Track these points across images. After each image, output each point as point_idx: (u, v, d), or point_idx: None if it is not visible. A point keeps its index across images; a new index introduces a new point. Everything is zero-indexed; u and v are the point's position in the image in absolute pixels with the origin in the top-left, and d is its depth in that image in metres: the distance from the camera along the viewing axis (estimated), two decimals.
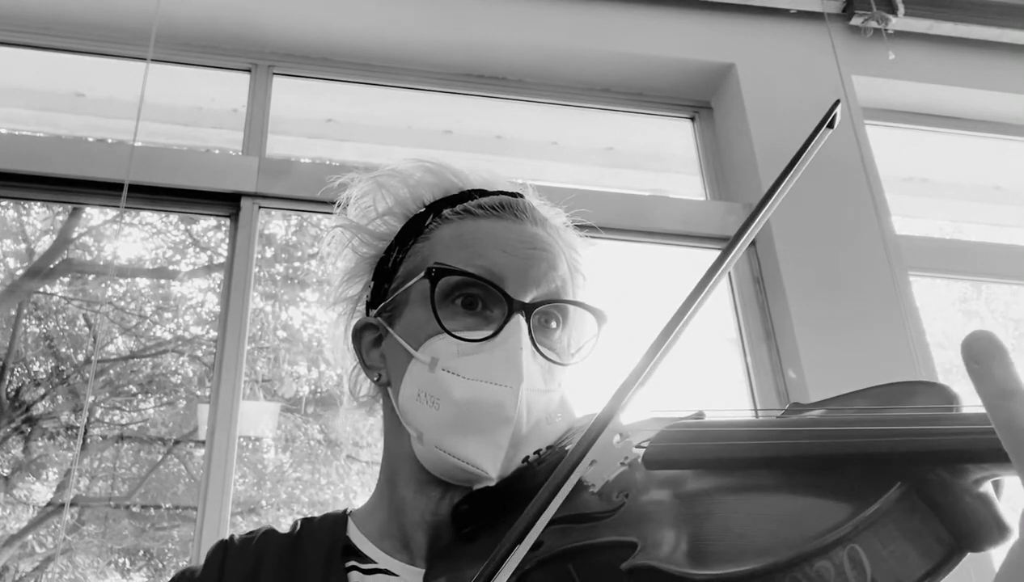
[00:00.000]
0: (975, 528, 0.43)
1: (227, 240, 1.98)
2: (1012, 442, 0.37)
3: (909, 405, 0.50)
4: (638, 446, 0.60)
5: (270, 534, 0.79)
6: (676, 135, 2.42)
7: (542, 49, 2.24)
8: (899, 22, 2.35)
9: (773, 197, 0.57)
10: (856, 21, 2.35)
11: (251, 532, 0.80)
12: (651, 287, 2.25)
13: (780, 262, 2.00)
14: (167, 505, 3.44)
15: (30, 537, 3.16)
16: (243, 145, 2.06)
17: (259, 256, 1.91)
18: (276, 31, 2.14)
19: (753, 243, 2.12)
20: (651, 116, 2.40)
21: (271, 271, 3.15)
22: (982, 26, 2.40)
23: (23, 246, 3.25)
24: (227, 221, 1.98)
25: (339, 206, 0.85)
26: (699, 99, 2.39)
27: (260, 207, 1.95)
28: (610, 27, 2.26)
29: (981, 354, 0.38)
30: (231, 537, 0.80)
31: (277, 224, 3.13)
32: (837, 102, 0.59)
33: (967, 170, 2.66)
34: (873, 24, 2.33)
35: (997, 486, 0.44)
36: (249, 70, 2.18)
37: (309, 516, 0.82)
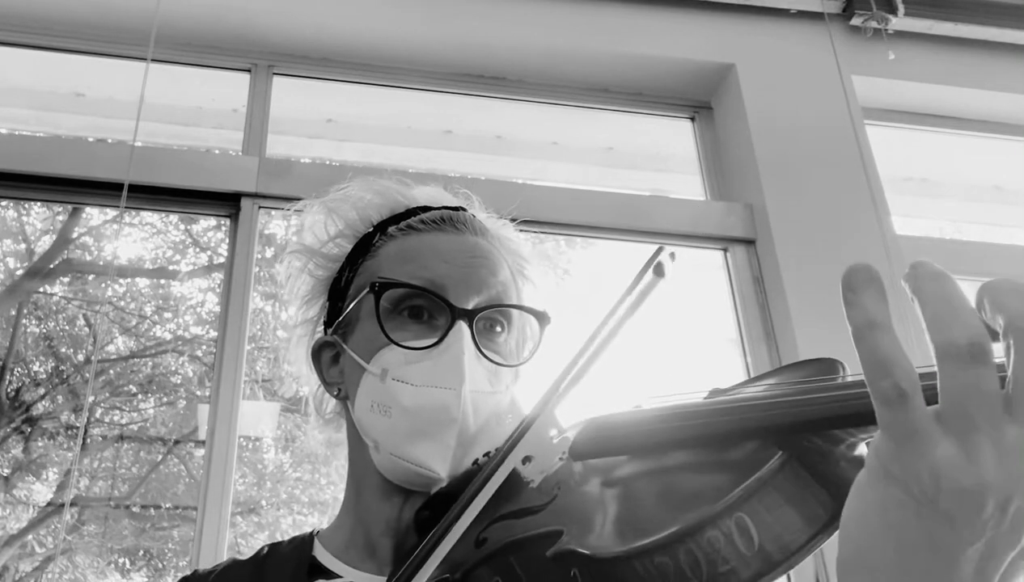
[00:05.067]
0: None
1: (227, 240, 1.98)
2: (871, 373, 0.38)
3: (799, 378, 0.53)
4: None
5: (234, 564, 0.81)
6: (676, 135, 2.42)
7: (542, 49, 2.24)
8: (899, 22, 2.35)
9: (595, 342, 0.59)
10: (856, 21, 2.35)
11: (215, 566, 0.82)
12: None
13: (780, 262, 2.00)
14: (167, 505, 3.44)
15: (30, 537, 3.16)
16: (243, 145, 2.06)
17: (259, 256, 1.90)
18: (276, 31, 2.14)
19: (753, 243, 2.12)
20: (651, 116, 2.40)
21: (271, 271, 3.14)
22: (982, 26, 2.40)
23: (23, 246, 3.25)
24: (227, 221, 1.98)
25: (294, 232, 0.88)
26: (699, 99, 2.39)
27: (260, 207, 1.95)
28: (610, 27, 2.26)
29: (857, 284, 0.39)
30: (194, 572, 0.82)
31: (277, 224, 3.12)
32: (660, 249, 0.60)
33: (967, 170, 2.65)
34: (873, 24, 2.33)
35: None
36: (249, 70, 2.18)
37: (277, 541, 0.84)
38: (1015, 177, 2.62)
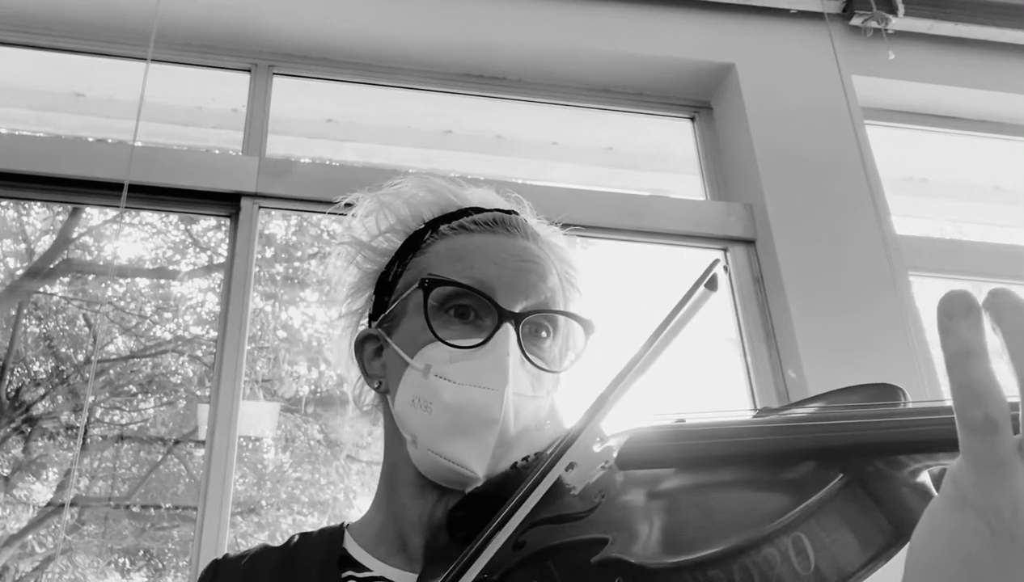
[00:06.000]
0: (913, 518, 0.44)
1: (227, 240, 1.98)
2: (962, 401, 0.38)
3: (859, 402, 0.53)
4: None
5: (265, 551, 0.82)
6: (676, 135, 2.42)
7: (542, 49, 2.24)
8: (899, 22, 2.35)
9: (644, 356, 0.59)
10: (856, 21, 2.35)
11: (246, 550, 0.82)
12: (651, 287, 2.25)
13: (780, 262, 2.00)
14: (167, 505, 3.44)
15: (30, 537, 3.16)
16: (243, 145, 2.06)
17: (259, 256, 1.91)
18: (276, 31, 2.14)
19: (753, 243, 2.12)
20: (651, 116, 2.40)
21: (271, 271, 3.15)
22: (982, 26, 2.40)
23: (23, 246, 3.25)
24: (227, 221, 1.98)
25: (345, 224, 0.89)
26: (699, 99, 2.39)
27: (260, 207, 1.95)
28: (610, 27, 2.26)
29: (955, 311, 0.38)
30: (225, 555, 0.82)
31: (277, 224, 3.13)
32: (716, 262, 0.59)
33: (967, 170, 2.65)
34: (873, 24, 2.33)
35: (938, 481, 0.46)
36: (249, 70, 2.18)
37: (308, 530, 0.85)
38: (1015, 177, 2.62)
